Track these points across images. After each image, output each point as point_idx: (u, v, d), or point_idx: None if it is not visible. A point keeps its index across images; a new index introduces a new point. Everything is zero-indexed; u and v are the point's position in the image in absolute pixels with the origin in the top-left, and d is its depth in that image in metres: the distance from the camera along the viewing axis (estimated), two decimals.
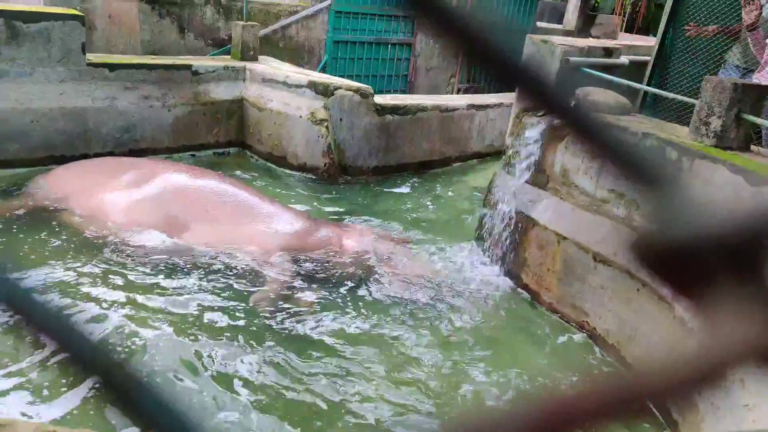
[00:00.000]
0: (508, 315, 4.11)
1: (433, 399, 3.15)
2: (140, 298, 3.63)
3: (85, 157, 5.48)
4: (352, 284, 4.13)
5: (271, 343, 3.42)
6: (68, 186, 4.57)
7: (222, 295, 3.80)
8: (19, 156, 5.29)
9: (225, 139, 6.64)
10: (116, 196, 4.37)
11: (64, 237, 4.16)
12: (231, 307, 3.69)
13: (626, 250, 0.36)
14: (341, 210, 5.56)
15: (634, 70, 5.60)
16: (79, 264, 3.87)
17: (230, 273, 4.03)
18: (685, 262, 0.35)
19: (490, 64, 0.37)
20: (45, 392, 2.78)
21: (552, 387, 0.35)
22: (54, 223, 4.30)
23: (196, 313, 3.58)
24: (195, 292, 3.78)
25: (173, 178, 4.52)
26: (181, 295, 3.73)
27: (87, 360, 0.37)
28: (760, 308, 0.35)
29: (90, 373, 0.37)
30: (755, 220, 0.34)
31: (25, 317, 0.36)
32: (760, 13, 4.56)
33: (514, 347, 3.77)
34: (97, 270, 3.84)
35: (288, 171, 6.33)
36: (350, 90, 6.20)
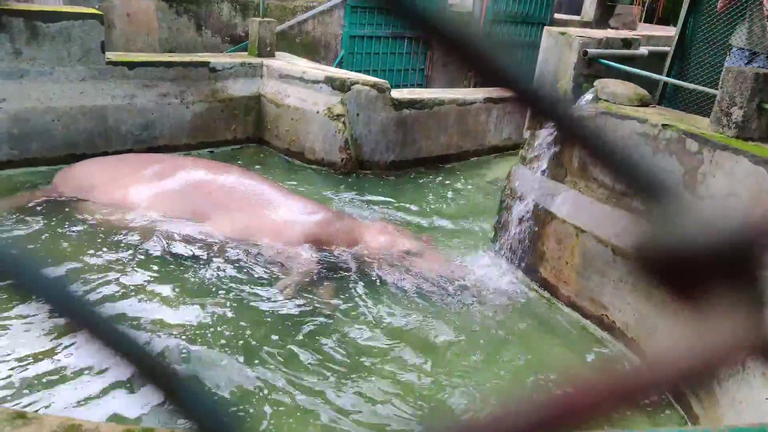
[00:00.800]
0: (526, 309, 4.10)
1: (448, 393, 3.15)
2: (162, 286, 3.69)
3: (106, 155, 5.56)
4: (372, 278, 4.14)
5: (289, 333, 3.44)
6: (94, 177, 4.68)
7: (243, 284, 3.84)
8: (41, 154, 5.38)
9: (243, 136, 6.69)
10: (141, 188, 4.47)
11: (88, 226, 4.25)
12: (252, 297, 3.73)
13: (629, 256, 0.37)
14: (359, 205, 5.57)
15: (654, 60, 5.53)
16: (102, 253, 3.95)
17: (252, 263, 4.08)
18: (683, 268, 0.36)
19: (499, 83, 0.37)
20: (71, 387, 2.84)
21: (559, 380, 0.35)
22: (79, 213, 4.40)
23: (217, 301, 3.62)
24: (217, 282, 3.83)
25: (196, 171, 4.62)
26: (203, 283, 3.79)
27: (125, 352, 0.38)
28: (750, 309, 0.36)
29: (129, 365, 0.38)
30: (747, 229, 0.35)
31: (66, 314, 0.37)
32: None
33: (532, 341, 3.75)
34: (119, 259, 3.91)
35: (306, 166, 6.36)
36: (367, 85, 6.20)
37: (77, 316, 0.36)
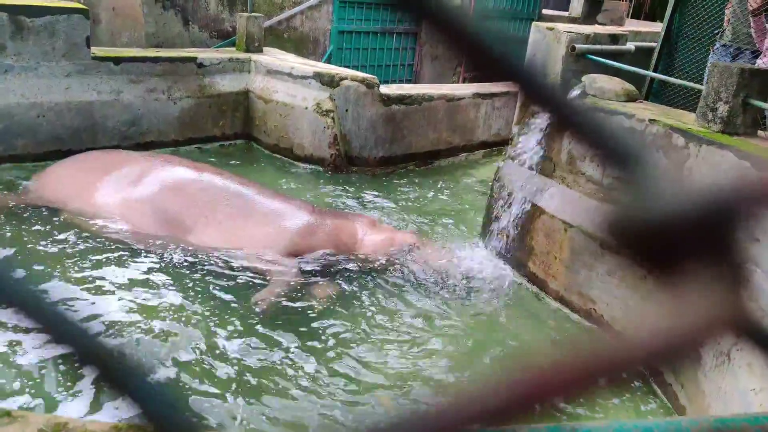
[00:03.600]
0: (515, 303, 4.12)
1: (434, 384, 3.16)
2: (137, 297, 3.58)
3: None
4: (359, 276, 4.13)
5: (271, 342, 3.43)
6: (64, 184, 4.45)
7: (221, 294, 3.74)
8: (26, 151, 5.33)
9: (231, 131, 6.66)
10: (112, 195, 4.24)
11: (58, 235, 4.09)
12: (230, 307, 3.65)
13: (603, 230, 0.36)
14: (348, 201, 5.57)
15: (641, 56, 5.56)
16: (73, 262, 3.82)
17: (231, 273, 3.93)
18: (659, 240, 0.35)
19: (490, 65, 0.37)
20: (55, 385, 2.81)
21: (536, 358, 0.35)
22: (50, 220, 4.23)
23: (193, 312, 3.53)
24: (192, 292, 3.71)
25: (170, 175, 4.33)
26: (178, 294, 3.67)
27: (83, 350, 0.37)
28: (730, 283, 0.35)
29: (87, 363, 0.38)
30: (725, 197, 0.34)
31: (24, 312, 0.37)
32: None
33: (520, 335, 3.78)
34: (91, 269, 3.78)
35: (294, 162, 6.34)
36: (356, 80, 6.19)
37: (30, 310, 0.36)
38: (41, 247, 3.96)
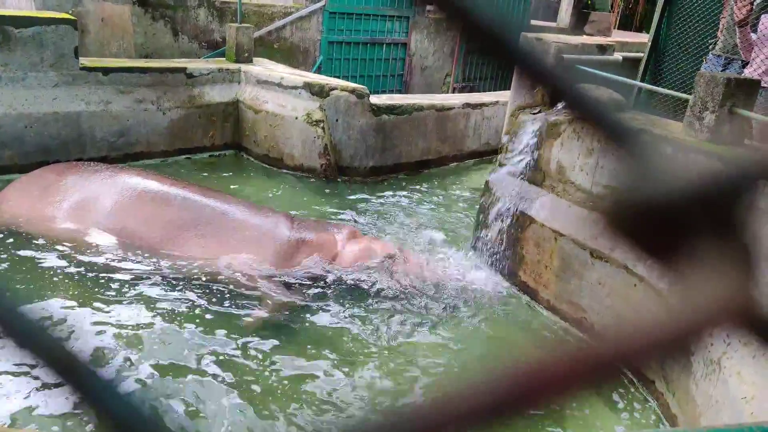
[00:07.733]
0: (506, 312, 4.11)
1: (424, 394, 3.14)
2: (117, 317, 3.48)
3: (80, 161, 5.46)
4: (339, 288, 4.03)
5: (254, 357, 3.41)
6: (16, 206, 4.23)
7: (201, 313, 3.66)
8: (14, 162, 5.27)
9: (221, 142, 6.63)
10: (77, 215, 4.05)
11: (17, 257, 3.94)
12: (211, 324, 3.58)
13: (602, 217, 0.35)
14: (339, 211, 5.55)
15: (629, 66, 5.62)
16: (36, 285, 3.68)
17: (209, 294, 3.79)
18: (661, 220, 0.33)
19: (490, 43, 0.36)
20: (32, 399, 2.77)
21: (526, 358, 0.34)
22: (14, 246, 4.05)
23: (170, 330, 3.45)
24: (165, 317, 3.58)
25: (142, 196, 4.12)
26: (153, 317, 3.57)
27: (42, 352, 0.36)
28: (736, 265, 0.33)
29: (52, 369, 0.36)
30: (732, 174, 0.33)
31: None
32: (751, 9, 4.57)
33: (511, 344, 3.77)
34: (56, 290, 3.66)
35: (285, 172, 6.33)
36: (346, 90, 6.20)
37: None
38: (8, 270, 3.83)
